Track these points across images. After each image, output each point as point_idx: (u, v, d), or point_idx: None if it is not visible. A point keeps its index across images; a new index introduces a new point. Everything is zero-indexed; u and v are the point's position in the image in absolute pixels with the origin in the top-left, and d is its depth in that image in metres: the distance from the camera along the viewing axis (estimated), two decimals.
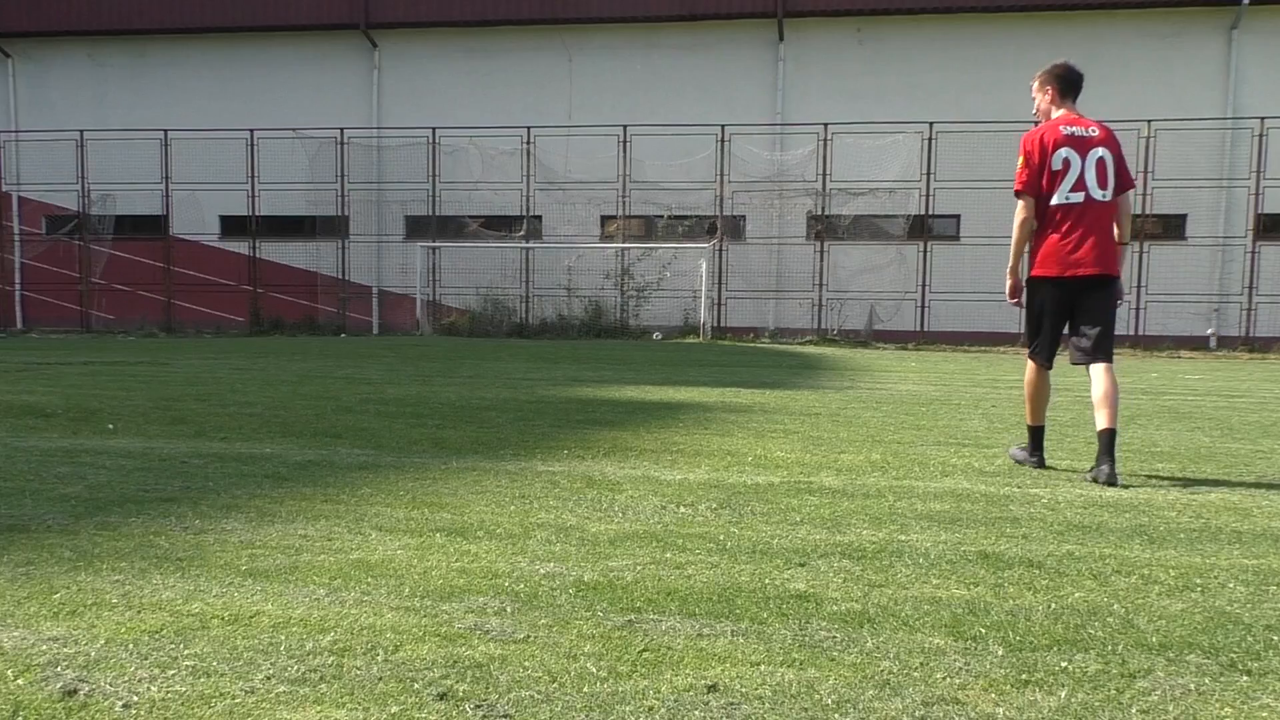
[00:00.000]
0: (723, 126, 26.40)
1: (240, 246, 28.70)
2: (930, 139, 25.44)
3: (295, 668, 2.81)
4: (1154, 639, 3.13)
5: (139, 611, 3.26)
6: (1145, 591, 3.65)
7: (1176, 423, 9.00)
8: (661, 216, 27.22)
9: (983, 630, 3.18)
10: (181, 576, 3.66)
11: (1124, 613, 3.38)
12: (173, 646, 2.96)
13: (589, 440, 7.17)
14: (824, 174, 26.13)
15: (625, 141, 26.77)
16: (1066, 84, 6.35)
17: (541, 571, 3.77)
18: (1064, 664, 2.92)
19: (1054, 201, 6.17)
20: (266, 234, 28.63)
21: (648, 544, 4.20)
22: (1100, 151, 6.16)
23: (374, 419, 8.19)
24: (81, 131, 28.37)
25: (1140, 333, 24.74)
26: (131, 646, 2.96)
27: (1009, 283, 6.57)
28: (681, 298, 26.20)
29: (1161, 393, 12.28)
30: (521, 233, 27.68)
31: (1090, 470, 6.02)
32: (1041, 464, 6.41)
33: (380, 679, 2.74)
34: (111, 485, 5.27)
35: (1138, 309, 24.89)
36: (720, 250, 26.50)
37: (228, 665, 2.83)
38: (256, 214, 28.47)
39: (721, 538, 4.33)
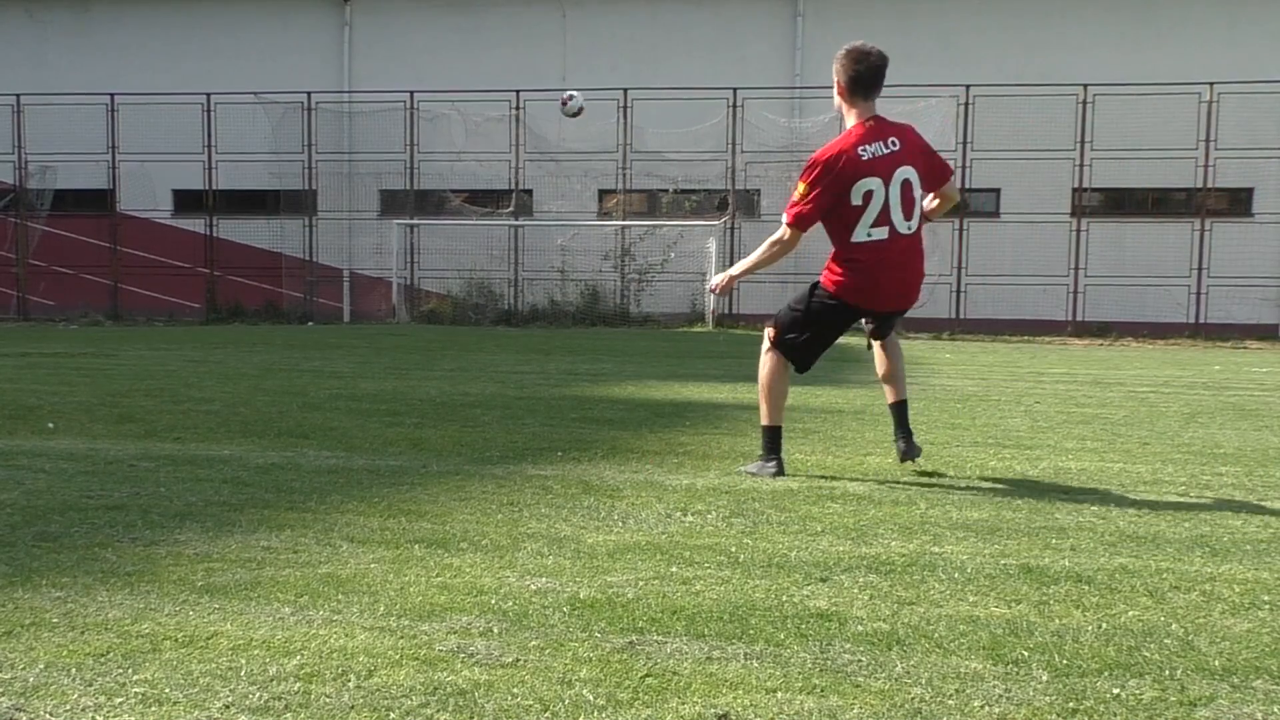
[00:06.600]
0: (734, 90, 26.26)
1: (195, 224, 28.61)
2: (966, 104, 25.33)
3: (257, 695, 2.81)
4: (1216, 662, 3.13)
5: (82, 632, 3.26)
6: (1207, 610, 3.65)
7: (1242, 421, 9.01)
8: (666, 191, 27.16)
9: (1025, 653, 3.18)
10: (130, 593, 3.66)
11: (1183, 633, 3.39)
12: (120, 671, 2.96)
13: (585, 441, 7.17)
14: None
15: (626, 107, 26.68)
16: (858, 82, 5.74)
17: (532, 588, 3.76)
18: (1116, 690, 2.92)
19: (854, 239, 5.71)
20: (225, 210, 28.55)
21: (651, 556, 4.20)
22: (906, 172, 5.69)
23: (345, 417, 8.19)
24: (18, 96, 28.17)
25: (1201, 320, 24.78)
26: (74, 671, 2.95)
27: (725, 279, 6.19)
28: (688, 281, 26.16)
29: (1225, 387, 12.28)
30: (510, 209, 27.61)
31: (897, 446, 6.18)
32: (781, 470, 5.95)
33: (352, 707, 2.74)
34: (51, 491, 5.27)
35: (1198, 294, 24.92)
36: (731, 228, 26.42)
37: (182, 692, 2.82)
38: (214, 188, 28.36)
39: (733, 549, 4.32)
